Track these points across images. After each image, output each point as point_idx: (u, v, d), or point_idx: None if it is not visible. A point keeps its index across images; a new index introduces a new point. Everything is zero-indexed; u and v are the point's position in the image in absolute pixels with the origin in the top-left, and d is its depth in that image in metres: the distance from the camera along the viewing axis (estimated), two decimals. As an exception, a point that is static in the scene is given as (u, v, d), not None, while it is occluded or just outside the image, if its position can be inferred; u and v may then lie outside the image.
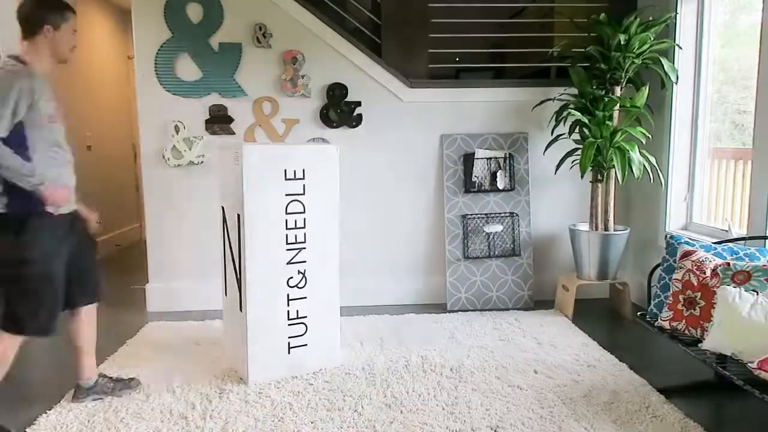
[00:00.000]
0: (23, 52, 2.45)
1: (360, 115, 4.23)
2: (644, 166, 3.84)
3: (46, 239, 2.44)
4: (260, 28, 4.10)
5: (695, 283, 2.74)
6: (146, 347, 3.51)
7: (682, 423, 2.56)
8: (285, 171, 2.94)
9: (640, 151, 3.84)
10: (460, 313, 4.18)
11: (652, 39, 3.82)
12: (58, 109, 2.54)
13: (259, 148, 2.96)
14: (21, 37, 2.47)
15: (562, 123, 4.07)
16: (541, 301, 4.36)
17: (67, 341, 2.79)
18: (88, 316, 2.75)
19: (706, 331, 2.60)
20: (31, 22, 2.44)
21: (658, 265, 3.07)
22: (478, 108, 4.35)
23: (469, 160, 4.29)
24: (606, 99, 3.89)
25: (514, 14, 5.45)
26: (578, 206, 4.44)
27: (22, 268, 2.40)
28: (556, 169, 4.14)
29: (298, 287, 3.04)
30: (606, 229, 4.07)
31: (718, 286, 2.60)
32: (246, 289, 2.92)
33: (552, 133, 4.15)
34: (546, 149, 4.21)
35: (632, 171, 3.77)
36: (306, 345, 3.10)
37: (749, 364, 2.28)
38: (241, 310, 2.99)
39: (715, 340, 2.50)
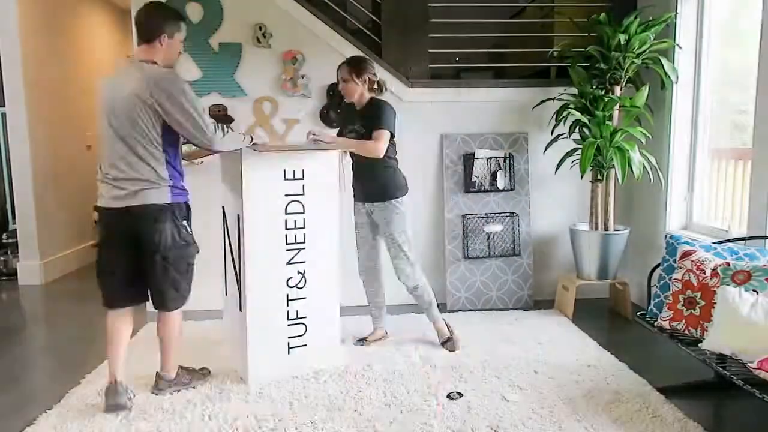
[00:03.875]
0: (144, 55, 2.61)
1: (360, 115, 4.23)
2: (644, 165, 3.84)
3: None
4: (260, 28, 4.10)
5: (695, 283, 2.73)
6: (146, 347, 3.51)
7: (682, 423, 2.56)
8: (284, 171, 2.94)
9: (640, 151, 3.84)
10: (460, 312, 4.18)
11: (652, 39, 3.82)
12: None
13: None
14: (138, 41, 2.66)
15: (562, 123, 4.07)
16: (540, 301, 4.36)
17: (70, 340, 2.79)
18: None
19: (706, 330, 2.59)
20: (147, 30, 2.62)
21: (658, 265, 3.07)
22: (478, 108, 4.35)
23: (469, 159, 4.29)
24: (606, 99, 3.89)
25: (515, 14, 5.46)
26: (578, 206, 4.44)
27: (186, 248, 2.71)
28: (556, 169, 4.13)
29: (298, 287, 3.04)
30: (606, 228, 4.07)
31: (718, 286, 2.60)
32: (245, 289, 2.92)
33: (552, 133, 4.15)
34: (546, 149, 4.20)
35: (632, 171, 3.77)
36: (306, 345, 3.10)
37: (749, 364, 2.28)
38: (240, 309, 2.99)
39: (714, 340, 2.50)
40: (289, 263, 3.00)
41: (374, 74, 3.26)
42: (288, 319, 3.04)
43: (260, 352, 2.98)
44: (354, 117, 3.28)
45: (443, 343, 3.47)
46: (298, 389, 2.93)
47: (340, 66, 3.25)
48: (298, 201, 2.99)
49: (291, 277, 3.02)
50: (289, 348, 3.06)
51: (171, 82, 2.52)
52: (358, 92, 3.22)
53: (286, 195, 2.95)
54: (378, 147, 3.09)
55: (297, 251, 3.02)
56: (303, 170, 2.98)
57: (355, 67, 3.20)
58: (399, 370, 3.16)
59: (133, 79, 2.53)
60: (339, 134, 3.38)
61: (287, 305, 3.03)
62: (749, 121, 3.39)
